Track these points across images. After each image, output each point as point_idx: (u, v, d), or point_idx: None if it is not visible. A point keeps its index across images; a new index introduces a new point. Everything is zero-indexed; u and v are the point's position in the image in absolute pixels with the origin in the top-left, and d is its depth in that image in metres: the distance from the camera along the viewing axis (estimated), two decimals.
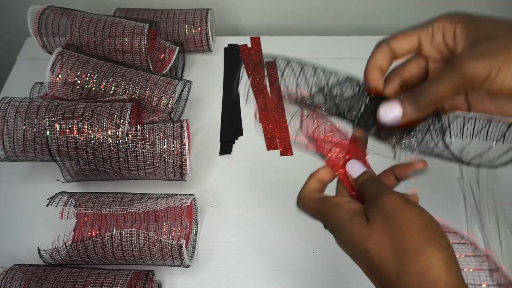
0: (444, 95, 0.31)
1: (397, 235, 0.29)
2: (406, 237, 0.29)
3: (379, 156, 0.40)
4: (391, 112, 0.33)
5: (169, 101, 0.63)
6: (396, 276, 0.28)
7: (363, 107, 0.36)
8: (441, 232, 0.29)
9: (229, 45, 0.80)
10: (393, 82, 0.37)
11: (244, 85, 0.39)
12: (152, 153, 0.56)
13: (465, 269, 0.33)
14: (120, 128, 0.56)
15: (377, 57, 0.36)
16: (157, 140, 0.56)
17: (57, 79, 0.62)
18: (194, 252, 0.56)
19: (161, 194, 0.57)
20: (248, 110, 0.71)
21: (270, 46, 0.80)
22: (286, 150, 0.66)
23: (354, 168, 0.37)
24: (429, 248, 0.28)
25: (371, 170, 0.38)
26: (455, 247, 0.34)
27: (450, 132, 0.35)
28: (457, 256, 0.29)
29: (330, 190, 0.40)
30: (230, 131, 0.69)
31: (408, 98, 0.33)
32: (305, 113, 0.38)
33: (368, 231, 0.31)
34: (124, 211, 0.54)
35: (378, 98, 0.36)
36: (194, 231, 0.57)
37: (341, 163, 0.39)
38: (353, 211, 0.33)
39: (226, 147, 0.67)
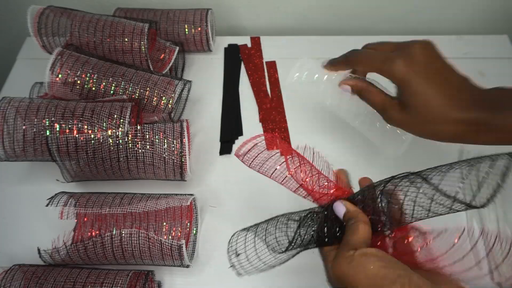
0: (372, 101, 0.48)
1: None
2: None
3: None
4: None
5: (169, 101, 0.63)
6: None
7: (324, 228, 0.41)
8: (390, 278, 0.32)
9: (229, 45, 0.80)
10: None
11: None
12: (152, 153, 0.56)
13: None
14: (120, 128, 0.56)
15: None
16: (157, 140, 0.56)
17: (57, 79, 0.62)
18: (194, 252, 0.56)
19: (161, 194, 0.57)
20: (248, 110, 0.71)
21: (270, 46, 0.80)
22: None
23: (338, 210, 0.40)
24: None
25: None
26: (451, 253, 0.36)
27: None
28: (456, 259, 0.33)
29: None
30: (230, 131, 0.69)
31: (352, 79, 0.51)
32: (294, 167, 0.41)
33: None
34: (124, 211, 0.54)
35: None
36: (194, 231, 0.57)
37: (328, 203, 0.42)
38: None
39: (226, 147, 0.67)
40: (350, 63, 0.49)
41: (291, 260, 0.56)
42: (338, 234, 0.40)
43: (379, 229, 0.38)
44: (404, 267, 0.32)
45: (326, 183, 0.41)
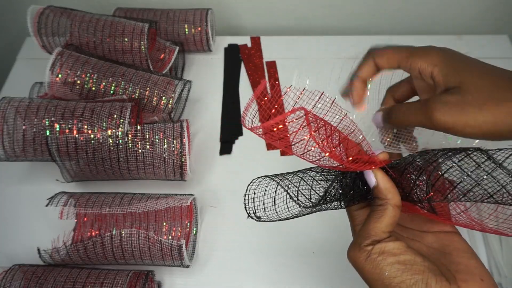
0: (411, 123, 0.37)
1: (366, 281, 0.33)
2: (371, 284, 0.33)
3: None
4: (378, 121, 0.39)
5: (169, 101, 0.63)
6: None
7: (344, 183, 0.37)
8: (400, 278, 0.31)
9: (229, 45, 0.80)
10: (388, 101, 0.43)
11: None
12: (152, 153, 0.56)
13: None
14: (120, 128, 0.56)
15: (363, 70, 0.41)
16: (157, 140, 0.56)
17: (57, 79, 0.62)
18: (194, 252, 0.56)
19: (161, 194, 0.57)
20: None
21: (270, 46, 0.80)
22: (286, 150, 0.66)
23: (369, 180, 0.36)
24: None
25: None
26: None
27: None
28: None
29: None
30: (230, 131, 0.69)
31: (389, 113, 0.40)
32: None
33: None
34: (124, 211, 0.54)
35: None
36: (194, 231, 0.57)
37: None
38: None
39: (226, 147, 0.67)
40: (372, 58, 0.41)
41: (291, 260, 0.56)
42: (366, 195, 0.37)
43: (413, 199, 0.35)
44: (423, 269, 0.31)
45: (355, 151, 0.37)
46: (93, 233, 0.55)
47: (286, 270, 0.56)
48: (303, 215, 0.38)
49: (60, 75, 0.62)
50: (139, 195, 0.56)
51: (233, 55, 0.79)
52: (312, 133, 0.34)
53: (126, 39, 0.65)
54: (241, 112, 0.71)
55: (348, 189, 0.37)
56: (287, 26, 0.88)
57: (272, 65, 0.77)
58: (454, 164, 0.32)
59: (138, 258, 0.52)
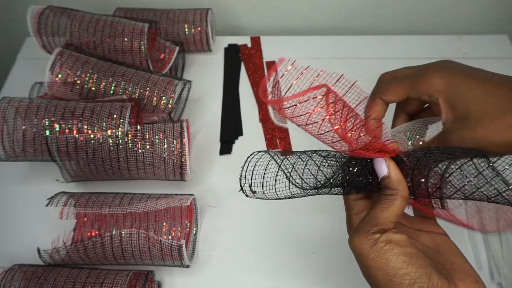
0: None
1: (367, 275, 0.32)
2: (373, 276, 0.32)
3: None
4: (382, 170, 0.35)
5: (169, 101, 0.63)
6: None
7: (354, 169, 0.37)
8: (406, 271, 0.31)
9: (229, 45, 0.80)
10: (400, 117, 0.43)
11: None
12: (152, 153, 0.56)
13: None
14: (120, 128, 0.56)
15: (373, 111, 0.40)
16: (157, 140, 0.56)
17: (57, 79, 0.62)
18: (194, 252, 0.56)
19: (161, 194, 0.57)
20: (248, 110, 0.71)
21: (270, 46, 0.80)
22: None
23: (379, 169, 0.36)
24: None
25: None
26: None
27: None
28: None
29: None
30: (230, 131, 0.69)
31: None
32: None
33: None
34: (124, 211, 0.54)
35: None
36: (194, 231, 0.57)
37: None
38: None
39: (226, 147, 0.67)
40: (378, 97, 0.41)
41: (291, 260, 0.56)
42: (369, 186, 0.36)
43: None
44: (425, 264, 0.31)
45: (368, 138, 0.37)
46: (93, 233, 0.55)
47: (286, 270, 0.56)
48: (303, 196, 0.37)
49: (60, 75, 0.62)
50: (139, 195, 0.56)
51: (233, 55, 0.79)
52: (330, 115, 0.34)
53: (126, 39, 0.65)
54: (241, 112, 0.71)
55: (355, 176, 0.36)
56: (287, 26, 0.88)
57: (272, 65, 0.77)
58: (456, 168, 0.32)
59: (138, 258, 0.52)
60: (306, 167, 0.36)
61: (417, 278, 0.30)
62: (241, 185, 0.36)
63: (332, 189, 0.37)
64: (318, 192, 0.37)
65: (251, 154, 0.37)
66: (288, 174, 0.36)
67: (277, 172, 0.36)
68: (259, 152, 0.38)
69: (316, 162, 0.37)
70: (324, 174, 0.36)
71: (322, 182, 0.36)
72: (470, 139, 0.34)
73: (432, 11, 0.83)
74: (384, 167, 0.35)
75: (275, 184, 0.36)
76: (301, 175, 0.36)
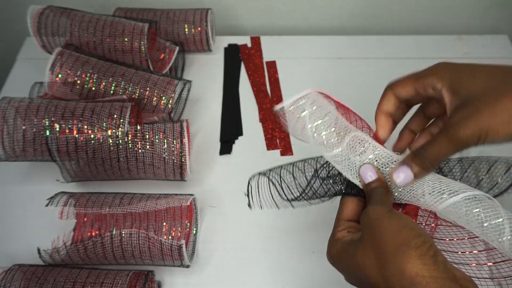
0: (445, 155, 0.36)
1: (377, 243, 0.32)
2: (383, 243, 0.32)
3: None
4: (406, 177, 0.38)
5: (169, 101, 0.63)
6: (382, 280, 0.31)
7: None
8: (416, 232, 0.32)
9: (229, 45, 0.80)
10: (405, 138, 0.45)
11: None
12: (152, 153, 0.56)
13: (459, 252, 0.37)
14: (120, 128, 0.56)
15: (384, 104, 0.42)
16: (157, 140, 0.56)
17: (57, 79, 0.62)
18: (194, 252, 0.56)
19: (161, 194, 0.57)
20: (248, 110, 0.71)
21: (270, 46, 0.80)
22: (286, 150, 0.66)
23: (366, 173, 0.40)
24: (403, 248, 0.31)
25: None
26: (447, 230, 0.38)
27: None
28: (448, 240, 0.35)
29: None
30: (230, 131, 0.69)
31: (414, 160, 0.38)
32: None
33: (357, 245, 0.34)
34: (124, 211, 0.54)
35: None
36: (194, 231, 0.57)
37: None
38: (349, 240, 0.37)
39: (226, 147, 0.67)
40: (390, 90, 0.42)
41: (291, 260, 0.56)
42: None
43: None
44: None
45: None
46: (93, 233, 0.55)
47: (286, 270, 0.56)
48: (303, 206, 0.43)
49: (60, 75, 0.62)
50: (139, 195, 0.56)
51: (233, 55, 0.79)
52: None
53: (126, 39, 0.65)
54: (241, 112, 0.71)
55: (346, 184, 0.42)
56: (287, 26, 0.88)
57: (272, 65, 0.77)
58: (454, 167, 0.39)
59: (138, 258, 0.52)
60: (295, 180, 0.42)
61: (423, 233, 0.32)
62: (249, 205, 0.44)
63: (335, 185, 0.42)
64: (311, 203, 0.43)
65: (252, 176, 0.44)
66: (280, 191, 0.42)
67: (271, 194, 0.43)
68: (259, 174, 0.44)
69: (300, 174, 0.43)
70: (302, 186, 0.42)
71: (308, 193, 0.42)
72: (474, 121, 0.34)
73: (432, 11, 0.83)
74: (371, 174, 0.40)
75: (273, 200, 0.43)
76: (291, 188, 0.42)
